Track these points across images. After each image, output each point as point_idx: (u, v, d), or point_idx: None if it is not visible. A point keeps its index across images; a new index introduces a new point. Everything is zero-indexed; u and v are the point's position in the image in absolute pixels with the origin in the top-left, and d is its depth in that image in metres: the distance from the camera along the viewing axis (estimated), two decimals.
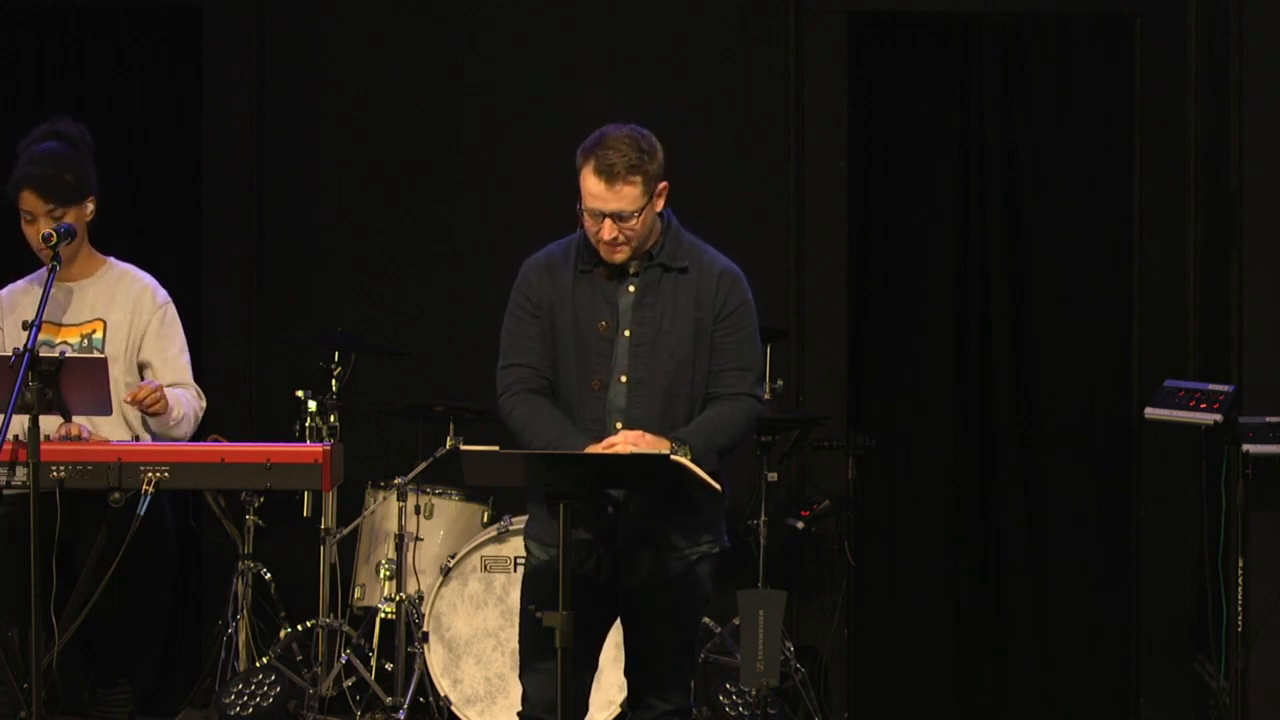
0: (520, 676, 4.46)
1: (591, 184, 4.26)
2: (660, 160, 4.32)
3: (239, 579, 6.49)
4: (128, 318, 4.87)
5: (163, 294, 4.96)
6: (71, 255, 4.83)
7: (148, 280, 4.97)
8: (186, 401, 4.86)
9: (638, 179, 4.25)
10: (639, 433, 4.21)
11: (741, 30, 7.06)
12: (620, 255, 4.31)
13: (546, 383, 4.36)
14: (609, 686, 5.84)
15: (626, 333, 4.31)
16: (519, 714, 4.46)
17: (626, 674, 4.49)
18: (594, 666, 4.47)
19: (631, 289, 4.34)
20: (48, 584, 4.46)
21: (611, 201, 4.25)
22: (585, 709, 4.40)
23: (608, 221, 4.26)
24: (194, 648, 6.90)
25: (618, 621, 4.46)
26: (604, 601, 4.35)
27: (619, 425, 4.27)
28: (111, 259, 4.98)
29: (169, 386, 4.83)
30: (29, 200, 4.78)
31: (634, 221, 4.27)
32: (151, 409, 4.71)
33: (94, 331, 4.85)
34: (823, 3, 6.99)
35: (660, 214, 4.38)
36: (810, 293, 6.98)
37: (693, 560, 4.38)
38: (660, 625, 4.39)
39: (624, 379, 4.30)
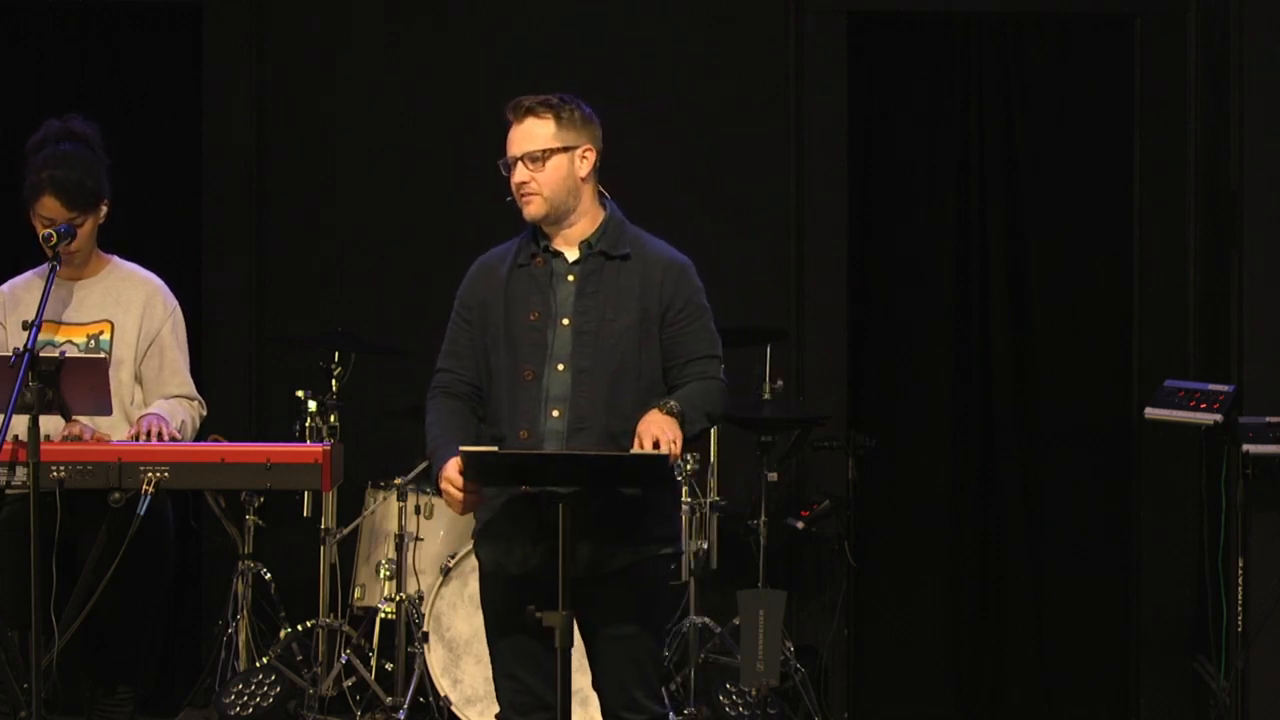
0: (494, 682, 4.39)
1: (509, 134, 4.27)
2: (587, 123, 4.28)
3: (239, 579, 6.49)
4: (137, 321, 4.83)
5: (172, 298, 4.93)
6: (80, 256, 4.80)
7: (157, 283, 4.93)
8: (188, 421, 4.85)
9: (548, 116, 4.24)
10: (654, 423, 4.07)
11: (741, 30, 7.06)
12: (534, 208, 4.25)
13: (469, 387, 4.35)
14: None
15: (565, 321, 4.23)
16: (496, 716, 4.42)
17: (594, 687, 4.37)
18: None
19: (571, 278, 4.27)
20: (48, 584, 4.45)
21: (521, 141, 4.24)
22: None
23: (520, 165, 4.23)
24: (194, 648, 6.90)
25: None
26: (552, 600, 4.16)
27: (555, 413, 4.20)
28: (115, 258, 4.94)
29: (171, 398, 4.82)
30: (50, 206, 4.70)
31: (543, 164, 4.23)
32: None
33: (101, 333, 4.82)
34: (823, 3, 6.99)
35: (601, 203, 4.32)
36: (810, 293, 6.98)
37: (641, 559, 4.26)
38: (614, 625, 4.26)
39: (562, 367, 4.21)
